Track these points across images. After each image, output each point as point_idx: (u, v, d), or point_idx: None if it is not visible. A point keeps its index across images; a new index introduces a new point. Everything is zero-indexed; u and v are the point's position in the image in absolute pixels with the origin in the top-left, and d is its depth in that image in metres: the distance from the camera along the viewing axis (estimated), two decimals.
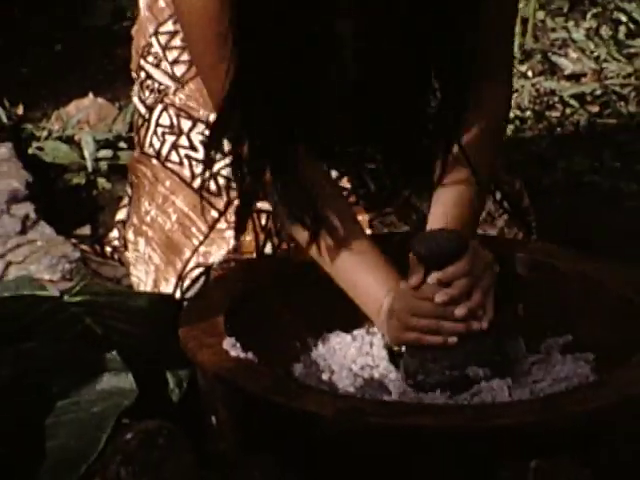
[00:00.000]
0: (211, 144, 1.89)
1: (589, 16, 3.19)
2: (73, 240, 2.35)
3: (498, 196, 2.10)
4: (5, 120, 2.78)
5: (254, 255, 2.02)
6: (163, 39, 2.18)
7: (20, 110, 2.87)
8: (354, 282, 1.81)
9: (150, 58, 2.20)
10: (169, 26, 2.16)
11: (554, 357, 1.80)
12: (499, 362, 1.73)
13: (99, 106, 2.77)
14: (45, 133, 2.79)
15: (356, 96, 1.90)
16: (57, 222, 2.40)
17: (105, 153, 2.68)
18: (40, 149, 2.73)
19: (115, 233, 2.29)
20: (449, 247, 1.71)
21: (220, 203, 2.06)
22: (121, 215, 2.28)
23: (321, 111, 1.89)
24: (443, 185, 1.82)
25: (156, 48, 2.19)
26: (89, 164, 2.66)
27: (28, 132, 2.80)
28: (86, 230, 2.49)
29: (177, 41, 2.15)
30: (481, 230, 1.98)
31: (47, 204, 2.48)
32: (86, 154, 2.67)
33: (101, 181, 2.66)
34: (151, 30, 2.19)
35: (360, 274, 1.81)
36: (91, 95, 2.80)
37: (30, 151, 2.73)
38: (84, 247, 2.32)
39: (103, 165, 2.67)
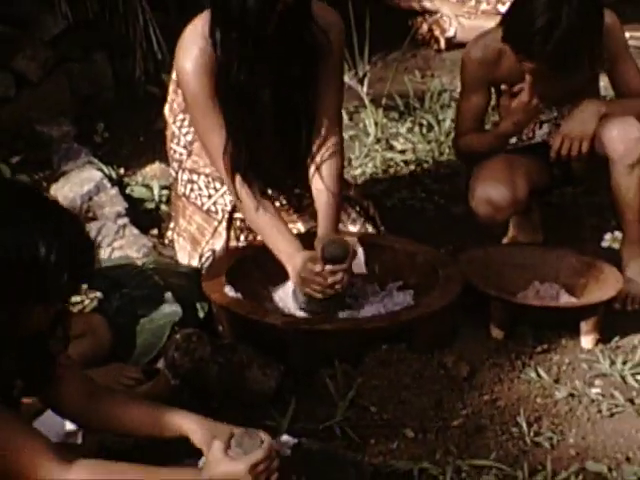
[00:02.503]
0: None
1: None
2: (148, 236, 3.43)
3: (358, 208, 3.08)
4: (114, 175, 3.85)
5: (236, 244, 3.01)
6: (178, 123, 3.08)
7: (121, 170, 3.95)
8: (278, 248, 2.76)
9: (174, 140, 3.12)
10: (180, 116, 3.05)
11: (394, 293, 2.90)
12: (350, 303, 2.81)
13: (161, 169, 3.83)
14: (133, 182, 3.86)
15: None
16: (140, 227, 3.48)
17: (163, 192, 3.73)
18: (131, 190, 3.80)
19: (169, 233, 3.34)
20: (339, 253, 2.69)
21: (218, 217, 3.05)
22: (170, 224, 3.33)
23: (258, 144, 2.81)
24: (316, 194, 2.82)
25: (176, 132, 3.09)
26: (156, 198, 3.73)
27: (125, 182, 3.86)
28: (155, 231, 3.53)
29: (185, 123, 3.05)
30: (352, 228, 3.01)
31: (135, 218, 3.55)
32: (155, 193, 3.75)
33: (162, 207, 3.69)
34: (171, 121, 3.10)
35: (281, 243, 2.76)
36: (157, 162, 3.88)
37: (127, 191, 3.79)
38: (154, 240, 3.37)
39: (163, 198, 3.71)
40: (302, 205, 3.04)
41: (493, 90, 3.27)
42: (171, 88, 3.08)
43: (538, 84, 3.02)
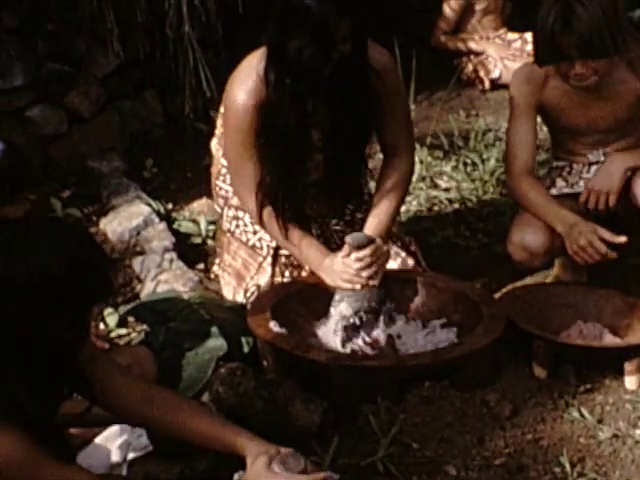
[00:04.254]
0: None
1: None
2: (195, 271, 3.47)
3: (399, 244, 3.13)
4: (162, 210, 3.92)
5: (280, 280, 3.06)
6: (225, 163, 3.09)
7: (169, 205, 4.01)
8: (309, 259, 2.88)
9: (220, 178, 3.16)
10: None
11: (437, 330, 2.91)
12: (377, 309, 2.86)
13: (208, 204, 3.83)
14: (181, 217, 3.91)
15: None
16: (187, 262, 3.54)
17: (210, 227, 3.76)
18: (179, 225, 3.85)
19: (215, 268, 3.38)
20: (363, 240, 2.85)
21: (263, 253, 3.09)
22: (216, 259, 3.36)
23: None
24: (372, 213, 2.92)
25: (223, 170, 3.13)
26: (203, 233, 3.77)
27: (173, 217, 3.92)
28: (201, 266, 3.58)
29: None
30: (393, 263, 3.04)
31: (182, 253, 3.60)
32: (202, 228, 3.79)
33: (208, 241, 3.73)
34: (219, 155, 3.13)
35: (311, 253, 2.88)
36: (204, 198, 3.93)
37: (174, 226, 3.84)
38: (200, 274, 3.42)
39: (209, 233, 3.75)
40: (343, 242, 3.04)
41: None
42: (219, 123, 3.11)
43: (584, 108, 3.03)
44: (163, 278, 3.36)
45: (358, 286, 2.86)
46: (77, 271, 1.91)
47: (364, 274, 2.84)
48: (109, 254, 1.99)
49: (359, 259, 2.84)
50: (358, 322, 2.86)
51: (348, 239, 2.86)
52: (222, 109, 3.03)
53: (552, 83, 3.10)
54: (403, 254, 3.12)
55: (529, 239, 3.07)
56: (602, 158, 3.22)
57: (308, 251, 2.91)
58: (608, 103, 3.10)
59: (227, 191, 3.16)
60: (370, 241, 2.87)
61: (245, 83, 2.82)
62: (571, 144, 3.24)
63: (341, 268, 2.85)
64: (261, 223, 2.94)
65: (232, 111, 2.87)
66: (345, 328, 2.87)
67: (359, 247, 2.86)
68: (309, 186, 3.01)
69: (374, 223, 2.96)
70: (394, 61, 3.04)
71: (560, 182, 3.24)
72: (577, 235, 2.94)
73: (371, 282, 2.86)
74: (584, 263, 3.01)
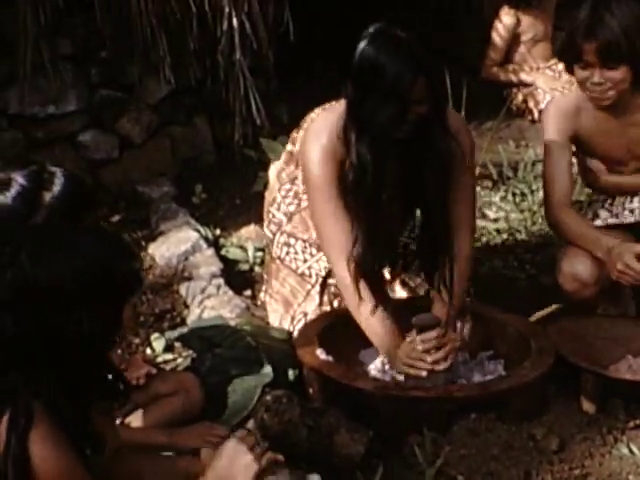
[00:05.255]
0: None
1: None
2: (242, 297, 3.49)
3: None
4: (210, 236, 3.94)
5: (328, 308, 3.06)
6: (283, 193, 3.14)
7: (217, 231, 4.03)
8: (375, 334, 2.77)
9: (275, 205, 3.17)
10: (287, 186, 3.13)
11: (484, 362, 2.91)
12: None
13: (256, 231, 3.88)
14: (229, 243, 3.94)
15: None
16: (234, 288, 3.55)
17: (258, 254, 3.79)
18: (227, 252, 3.88)
19: (262, 294, 3.38)
20: (428, 321, 2.74)
21: (312, 281, 3.09)
22: (263, 286, 3.37)
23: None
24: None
25: (278, 199, 3.15)
26: (250, 259, 3.79)
27: (221, 243, 3.95)
28: (248, 292, 3.59)
29: (290, 193, 3.11)
30: None
31: (229, 279, 3.63)
32: (250, 254, 3.81)
33: (256, 268, 3.75)
34: (276, 188, 3.17)
35: (377, 329, 2.75)
36: (253, 225, 3.95)
37: (222, 252, 3.87)
38: (247, 301, 3.44)
39: (257, 260, 3.77)
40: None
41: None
42: (283, 158, 3.14)
43: (619, 135, 3.04)
44: (210, 304, 3.39)
45: (424, 373, 2.73)
46: (106, 270, 1.93)
47: (429, 358, 2.73)
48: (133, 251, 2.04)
49: (424, 341, 2.74)
50: None
51: (414, 320, 2.75)
52: (289, 147, 3.05)
53: (584, 112, 3.10)
54: None
55: (580, 269, 3.05)
56: None
57: (377, 331, 2.78)
58: None
59: (281, 219, 3.18)
60: (437, 323, 2.75)
61: (319, 138, 2.79)
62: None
63: (405, 350, 2.74)
64: (344, 287, 2.82)
65: (308, 169, 2.83)
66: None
67: (424, 328, 2.74)
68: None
69: (442, 306, 2.83)
70: (469, 129, 3.01)
71: (604, 213, 3.21)
72: (616, 258, 2.91)
73: (437, 367, 2.72)
74: (629, 285, 2.96)
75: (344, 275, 2.81)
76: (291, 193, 3.13)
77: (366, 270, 2.79)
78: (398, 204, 2.87)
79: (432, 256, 2.86)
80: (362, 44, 2.64)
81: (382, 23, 2.69)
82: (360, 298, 2.79)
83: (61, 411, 1.88)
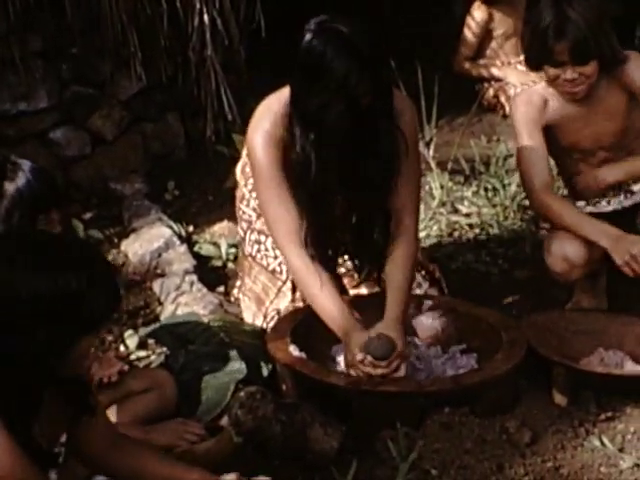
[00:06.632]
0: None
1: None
2: (215, 294, 3.48)
3: (423, 272, 3.08)
4: (183, 233, 3.93)
5: (301, 304, 3.02)
6: (249, 187, 3.10)
7: (190, 228, 4.02)
8: (329, 316, 2.75)
9: (244, 202, 3.15)
10: (252, 180, 3.02)
11: (457, 356, 2.91)
12: None
13: (229, 227, 3.87)
14: (202, 240, 3.93)
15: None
16: (207, 284, 3.54)
17: (231, 250, 3.77)
18: (199, 248, 3.86)
19: (235, 291, 3.38)
20: (386, 353, 2.64)
21: (283, 277, 3.07)
22: (237, 283, 3.37)
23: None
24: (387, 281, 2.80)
25: (246, 195, 3.13)
26: (224, 256, 3.77)
27: (194, 239, 3.94)
28: (221, 289, 3.57)
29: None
30: (418, 292, 3.03)
31: (203, 275, 3.61)
32: (222, 251, 3.78)
33: (229, 264, 3.74)
34: (242, 184, 3.15)
35: (331, 309, 2.74)
36: (226, 221, 3.94)
37: (195, 249, 3.85)
38: (221, 297, 3.42)
39: (230, 256, 3.76)
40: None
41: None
42: (244, 152, 3.11)
43: (585, 125, 3.07)
44: (183, 301, 3.37)
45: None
46: (71, 302, 1.88)
47: (378, 372, 2.67)
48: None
49: (375, 366, 2.67)
50: None
51: (368, 346, 2.65)
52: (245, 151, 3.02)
53: (551, 104, 3.13)
54: (426, 285, 3.11)
55: (569, 250, 3.05)
56: None
57: (335, 316, 2.75)
58: (606, 116, 3.12)
59: (250, 216, 3.17)
60: (388, 353, 2.64)
61: (262, 125, 2.79)
62: (580, 166, 3.24)
63: (354, 363, 2.68)
64: (293, 270, 2.83)
65: (253, 155, 2.85)
66: None
67: (377, 358, 2.67)
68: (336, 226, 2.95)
69: (396, 311, 2.77)
70: (414, 109, 2.99)
71: (580, 202, 3.22)
72: (628, 245, 2.93)
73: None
74: (634, 275, 2.97)
75: (293, 258, 2.81)
76: None
77: (318, 253, 2.78)
78: (341, 198, 2.86)
79: (368, 244, 2.87)
80: (306, 38, 2.63)
81: (324, 16, 2.67)
82: (312, 279, 2.78)
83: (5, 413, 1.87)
